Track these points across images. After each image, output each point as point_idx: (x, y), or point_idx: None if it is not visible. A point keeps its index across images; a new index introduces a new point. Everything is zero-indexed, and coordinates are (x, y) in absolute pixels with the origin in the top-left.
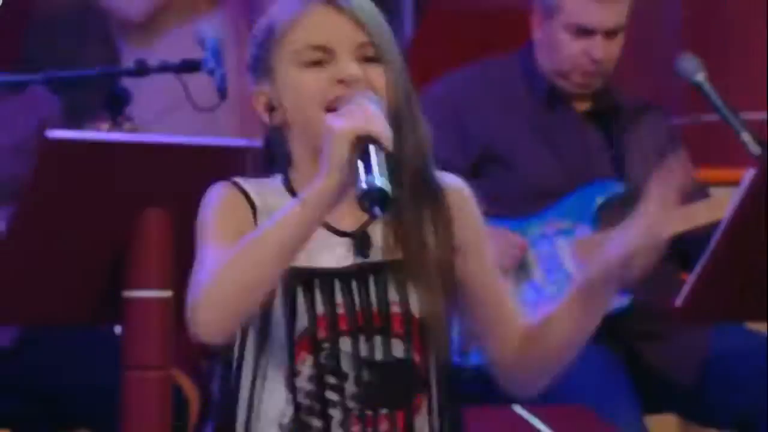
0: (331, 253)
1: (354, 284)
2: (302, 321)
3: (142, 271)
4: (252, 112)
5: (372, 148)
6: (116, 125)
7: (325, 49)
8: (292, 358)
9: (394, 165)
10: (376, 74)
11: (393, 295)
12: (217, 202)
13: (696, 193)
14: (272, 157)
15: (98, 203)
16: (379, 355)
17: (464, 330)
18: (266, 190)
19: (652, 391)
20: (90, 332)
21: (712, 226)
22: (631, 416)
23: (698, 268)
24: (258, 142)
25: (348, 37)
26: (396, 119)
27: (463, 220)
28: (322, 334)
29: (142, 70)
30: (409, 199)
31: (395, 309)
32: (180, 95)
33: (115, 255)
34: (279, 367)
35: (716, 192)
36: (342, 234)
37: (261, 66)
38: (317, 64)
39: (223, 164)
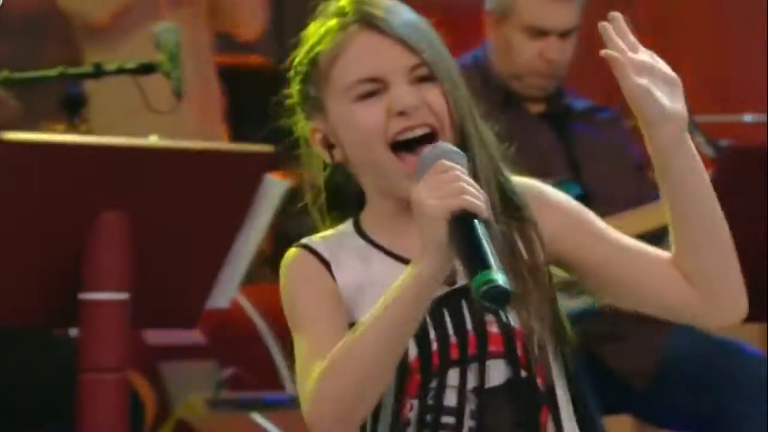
0: None
1: (446, 313)
2: (401, 368)
3: (99, 274)
4: (212, 115)
5: (475, 226)
6: (72, 127)
7: (377, 80)
8: (396, 413)
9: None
10: (434, 95)
11: (489, 315)
12: (298, 283)
13: (650, 195)
14: (342, 197)
15: (55, 206)
16: (488, 382)
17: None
18: (335, 240)
19: (609, 392)
20: (41, 334)
21: (666, 229)
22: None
23: None
24: (218, 144)
25: (398, 63)
26: (463, 136)
27: (545, 212)
28: (421, 375)
29: (99, 72)
30: (493, 216)
31: (493, 329)
32: (138, 97)
33: (72, 257)
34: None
35: None
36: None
37: (311, 102)
38: (370, 95)
39: (181, 167)
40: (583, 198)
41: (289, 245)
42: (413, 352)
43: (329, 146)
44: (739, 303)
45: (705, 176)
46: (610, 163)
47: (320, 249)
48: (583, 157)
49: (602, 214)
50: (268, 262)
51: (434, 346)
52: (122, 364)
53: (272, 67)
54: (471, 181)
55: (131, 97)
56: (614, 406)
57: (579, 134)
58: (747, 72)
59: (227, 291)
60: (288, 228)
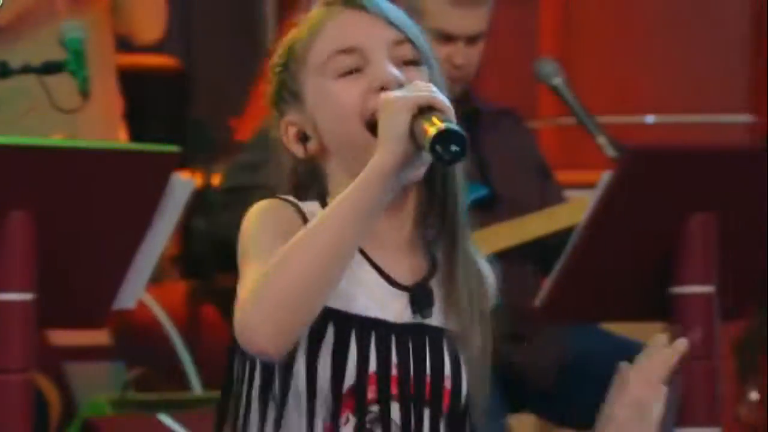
0: (389, 307)
1: (411, 345)
2: (350, 376)
3: (4, 274)
4: (113, 115)
5: (437, 118)
6: None
7: (356, 51)
8: (335, 415)
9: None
10: (418, 77)
11: (447, 368)
12: (262, 215)
13: (555, 195)
14: (304, 189)
15: None
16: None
17: None
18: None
19: (512, 391)
20: None
21: (572, 229)
22: (495, 416)
23: (557, 270)
24: (125, 144)
25: (380, 35)
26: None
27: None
28: (371, 394)
29: (3, 71)
30: (450, 264)
31: (447, 384)
32: (42, 96)
33: None
34: (312, 423)
35: (573, 194)
36: (400, 287)
37: (284, 95)
38: (350, 72)
39: (87, 167)
40: (491, 200)
41: (195, 245)
42: (372, 367)
43: (303, 139)
44: None
45: None
46: (516, 165)
47: (305, 209)
48: (490, 160)
49: (510, 215)
50: (175, 262)
51: (393, 371)
52: (27, 365)
53: (179, 67)
54: (444, 97)
55: (32, 96)
56: (518, 405)
57: (486, 137)
58: (649, 74)
59: (134, 291)
60: (195, 228)
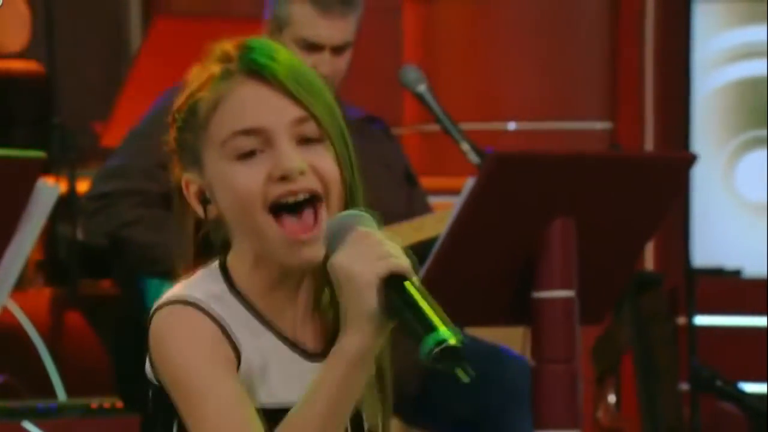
0: (302, 383)
1: None
2: None
3: None
4: None
5: (409, 286)
6: None
7: (257, 132)
8: None
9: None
10: (321, 158)
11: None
12: (190, 341)
13: (420, 203)
14: (206, 243)
15: None
16: None
17: None
18: (217, 302)
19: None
20: None
21: (435, 239)
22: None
23: (421, 276)
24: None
25: (282, 114)
26: (349, 196)
27: None
28: None
29: None
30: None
31: None
32: None
33: None
34: None
35: (437, 200)
36: (312, 357)
37: (187, 152)
38: (250, 155)
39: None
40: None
41: (60, 251)
42: None
43: (204, 201)
44: None
45: None
46: (383, 172)
47: (214, 312)
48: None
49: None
50: (40, 268)
51: None
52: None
53: (42, 72)
54: (391, 243)
55: None
56: None
57: (354, 145)
58: (511, 81)
59: None
60: (60, 234)
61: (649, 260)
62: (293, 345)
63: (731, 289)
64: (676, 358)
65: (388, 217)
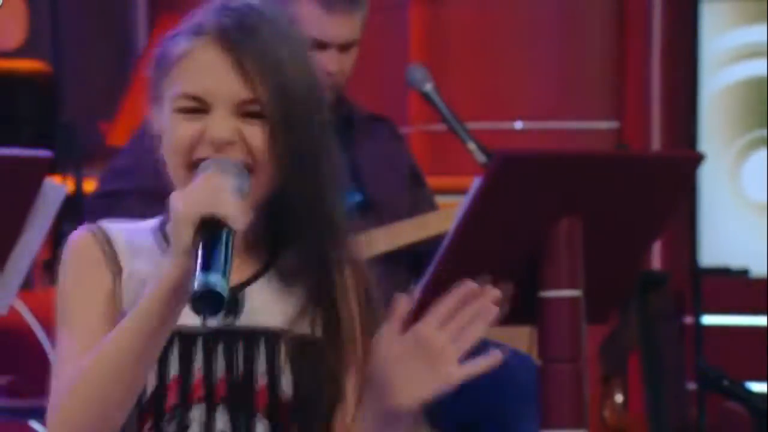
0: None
1: (220, 349)
2: (150, 384)
3: None
4: None
5: (220, 233)
6: None
7: (200, 100)
8: (137, 425)
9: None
10: (255, 133)
11: (261, 367)
12: (74, 271)
13: (426, 202)
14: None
15: None
16: None
17: None
18: (134, 230)
19: None
20: None
21: (443, 236)
22: None
23: (427, 275)
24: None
25: (228, 91)
26: (285, 180)
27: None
28: (171, 400)
29: None
30: (305, 269)
31: (262, 383)
32: None
33: None
34: None
35: (444, 200)
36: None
37: (154, 89)
38: (191, 111)
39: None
40: (365, 206)
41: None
42: (174, 371)
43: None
44: None
45: None
46: (389, 172)
47: (111, 234)
48: (363, 166)
49: (382, 222)
50: (47, 268)
51: (195, 375)
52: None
53: (48, 71)
54: (231, 190)
55: None
56: None
57: (360, 144)
58: (517, 81)
59: (5, 298)
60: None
61: (656, 260)
62: None
63: (738, 288)
64: (683, 357)
65: (393, 214)
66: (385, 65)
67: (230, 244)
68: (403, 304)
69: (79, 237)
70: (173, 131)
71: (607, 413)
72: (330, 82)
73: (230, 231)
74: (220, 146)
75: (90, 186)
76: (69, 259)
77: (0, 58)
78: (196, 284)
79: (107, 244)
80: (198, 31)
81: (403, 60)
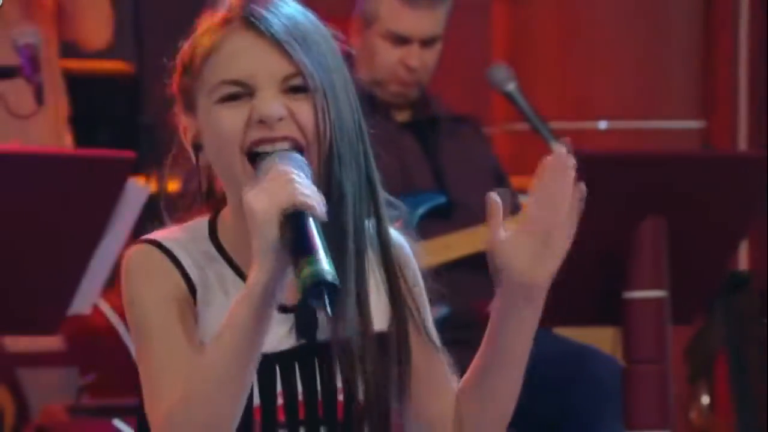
0: (271, 333)
1: (297, 370)
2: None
3: None
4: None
5: (308, 222)
6: None
7: (242, 84)
8: None
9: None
10: (303, 108)
11: (339, 380)
12: (142, 282)
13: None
14: (200, 196)
15: None
16: None
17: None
18: (186, 238)
19: None
20: None
21: None
22: None
23: None
24: (82, 150)
25: (269, 69)
26: (331, 157)
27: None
28: (257, 429)
29: None
30: (354, 262)
31: (341, 397)
32: None
33: None
34: None
35: (526, 200)
36: (283, 309)
37: (186, 97)
38: (234, 98)
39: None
40: (448, 207)
41: None
42: (256, 401)
43: (196, 147)
44: None
45: (529, 348)
46: (472, 172)
47: (169, 245)
48: (447, 167)
49: (466, 223)
50: None
51: (279, 400)
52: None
53: (131, 71)
54: (307, 182)
55: None
56: None
57: (444, 144)
58: (602, 80)
59: (89, 297)
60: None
61: (743, 260)
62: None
63: None
64: None
65: (477, 215)
66: (468, 64)
67: (321, 231)
68: (495, 201)
69: (137, 250)
70: (219, 122)
71: (693, 415)
72: (411, 78)
73: (316, 218)
74: (272, 124)
75: (173, 186)
76: (132, 271)
77: (86, 59)
78: (310, 275)
79: (166, 251)
80: (223, 24)
81: (486, 59)
